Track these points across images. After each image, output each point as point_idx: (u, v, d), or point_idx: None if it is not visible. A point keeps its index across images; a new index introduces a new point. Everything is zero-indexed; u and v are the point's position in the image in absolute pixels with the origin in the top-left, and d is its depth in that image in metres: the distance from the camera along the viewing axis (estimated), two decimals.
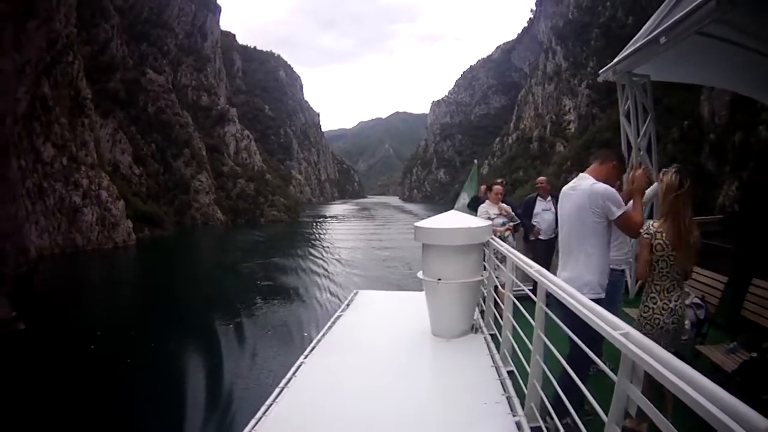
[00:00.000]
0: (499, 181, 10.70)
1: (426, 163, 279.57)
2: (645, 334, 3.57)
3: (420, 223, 7.09)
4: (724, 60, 9.46)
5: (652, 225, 4.79)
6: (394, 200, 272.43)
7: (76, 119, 69.99)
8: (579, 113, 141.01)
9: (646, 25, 9.12)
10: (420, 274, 7.06)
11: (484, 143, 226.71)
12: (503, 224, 9.69)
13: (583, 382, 3.47)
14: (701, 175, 49.77)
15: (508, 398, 4.86)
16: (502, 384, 5.20)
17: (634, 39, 9.60)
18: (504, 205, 10.10)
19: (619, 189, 5.96)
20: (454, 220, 7.23)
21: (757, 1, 6.86)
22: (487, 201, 10.20)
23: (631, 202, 5.23)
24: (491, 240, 7.11)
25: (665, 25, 7.87)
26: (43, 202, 59.52)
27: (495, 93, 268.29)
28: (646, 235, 4.76)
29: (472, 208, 10.45)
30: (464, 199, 11.13)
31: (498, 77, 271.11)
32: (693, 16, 7.08)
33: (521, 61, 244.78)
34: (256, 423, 4.48)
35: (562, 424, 3.84)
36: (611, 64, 10.67)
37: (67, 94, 69.38)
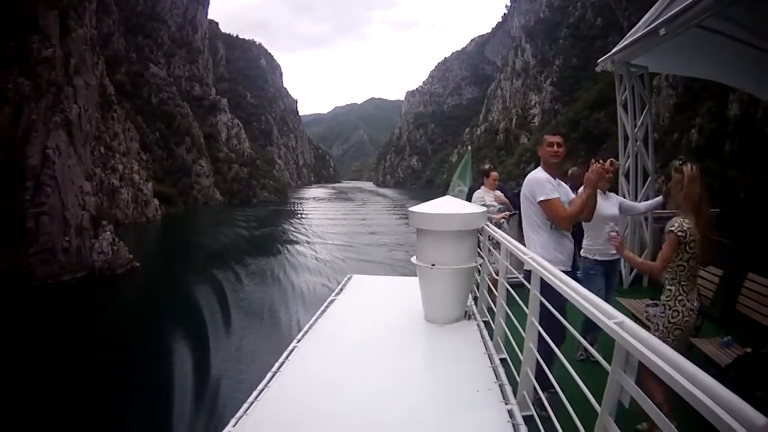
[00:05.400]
0: (488, 167, 10.56)
1: (399, 150, 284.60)
2: (674, 339, 4.48)
3: (415, 208, 7.12)
4: (721, 54, 9.43)
5: (684, 222, 4.55)
6: (369, 185, 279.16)
7: (107, 113, 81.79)
8: (543, 108, 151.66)
9: (646, 17, 9.22)
10: (414, 259, 7.11)
11: (456, 133, 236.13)
12: (499, 211, 9.64)
13: (552, 361, 4.09)
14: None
15: (501, 386, 4.92)
16: (495, 372, 5.27)
17: (633, 30, 9.63)
18: (499, 193, 10.05)
19: (578, 177, 6.94)
20: (450, 205, 7.21)
21: None
22: (482, 187, 10.08)
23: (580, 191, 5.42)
24: (486, 226, 7.09)
25: (665, 17, 7.97)
26: (89, 184, 68.82)
27: (468, 84, 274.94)
28: (680, 233, 4.51)
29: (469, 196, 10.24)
30: (460, 186, 11.16)
31: (471, 69, 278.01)
32: (693, 9, 7.22)
33: (494, 54, 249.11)
34: (249, 407, 4.59)
35: (546, 396, 4.00)
36: (610, 53, 10.56)
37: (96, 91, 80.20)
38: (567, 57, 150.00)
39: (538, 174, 5.46)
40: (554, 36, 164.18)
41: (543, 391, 4.13)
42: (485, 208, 7.95)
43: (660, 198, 8.06)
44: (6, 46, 49.22)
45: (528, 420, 4.21)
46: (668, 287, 4.64)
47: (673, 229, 4.53)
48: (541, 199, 5.24)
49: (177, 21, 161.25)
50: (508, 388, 4.82)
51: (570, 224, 5.39)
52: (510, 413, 4.34)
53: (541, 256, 4.62)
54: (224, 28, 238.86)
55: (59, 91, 50.61)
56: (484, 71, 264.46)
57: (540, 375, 4.15)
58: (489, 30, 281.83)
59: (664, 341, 4.04)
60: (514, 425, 4.16)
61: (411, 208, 7.19)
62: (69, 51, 55.48)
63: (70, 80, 53.72)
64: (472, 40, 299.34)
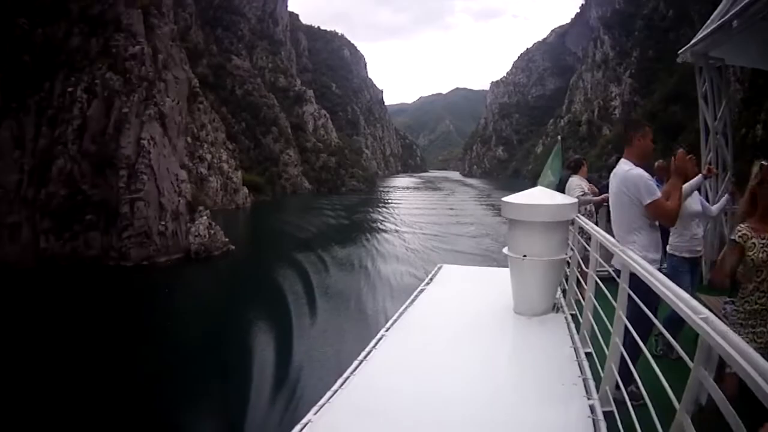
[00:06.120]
0: (577, 156, 10.88)
1: (485, 141, 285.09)
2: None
3: (508, 199, 7.16)
4: None
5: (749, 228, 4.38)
6: (455, 175, 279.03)
7: (192, 105, 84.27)
8: (623, 100, 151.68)
9: (719, 8, 9.15)
10: (505, 250, 7.13)
11: (540, 123, 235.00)
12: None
13: (636, 356, 4.13)
14: None
15: (585, 380, 4.90)
16: (580, 366, 5.27)
17: (708, 21, 9.53)
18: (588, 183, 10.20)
19: (666, 170, 7.25)
20: (542, 196, 7.28)
21: None
22: (576, 176, 10.18)
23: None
24: (577, 218, 7.17)
25: (736, 9, 7.92)
26: (184, 173, 69.56)
27: (550, 75, 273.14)
28: (739, 239, 4.36)
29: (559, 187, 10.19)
30: (551, 177, 10.92)
31: (553, 60, 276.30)
32: (761, 1, 7.15)
33: (574, 45, 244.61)
34: (332, 395, 4.62)
35: (627, 392, 3.97)
36: (689, 45, 10.41)
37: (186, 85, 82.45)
38: (644, 48, 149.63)
39: (638, 171, 5.25)
40: (630, 27, 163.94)
41: (625, 386, 4.09)
42: (576, 200, 8.10)
43: (727, 195, 8.65)
44: (88, 43, 52.08)
45: (608, 416, 4.20)
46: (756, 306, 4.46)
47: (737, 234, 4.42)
48: (650, 201, 5.09)
49: (256, 14, 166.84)
50: (592, 383, 4.83)
51: (676, 221, 5.45)
52: (591, 408, 4.36)
53: (644, 257, 4.51)
54: (304, 20, 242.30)
55: (151, 86, 53.62)
56: (565, 62, 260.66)
57: (623, 370, 4.20)
58: (568, 20, 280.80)
59: None
60: (594, 421, 4.16)
61: (504, 199, 7.24)
62: (155, 47, 58.75)
63: (160, 75, 56.97)
64: (552, 31, 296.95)
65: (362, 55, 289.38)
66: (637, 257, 4.16)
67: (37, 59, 48.23)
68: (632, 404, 3.77)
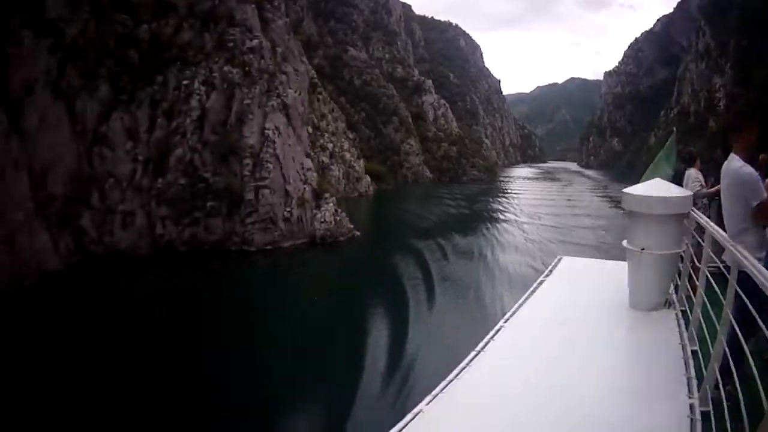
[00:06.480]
0: (691, 149, 11.23)
1: (601, 131, 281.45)
2: None
3: (629, 190, 7.25)
4: None
5: None
6: (573, 166, 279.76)
7: (311, 96, 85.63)
8: (726, 92, 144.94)
9: None
10: (625, 243, 7.23)
11: (652, 114, 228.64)
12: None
13: (740, 357, 3.99)
14: None
15: (689, 379, 4.90)
16: (686, 363, 5.27)
17: None
18: None
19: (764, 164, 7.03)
20: (662, 188, 7.20)
21: None
22: (693, 169, 10.40)
23: None
24: (692, 212, 7.10)
25: None
26: (309, 161, 71.11)
27: (659, 65, 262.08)
28: None
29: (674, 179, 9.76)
30: (667, 169, 10.48)
31: (660, 50, 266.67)
32: None
33: (679, 35, 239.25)
34: (447, 384, 4.73)
35: (725, 393, 3.96)
36: None
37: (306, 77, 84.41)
38: (741, 39, 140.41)
39: (749, 169, 5.07)
40: (728, 17, 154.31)
41: (724, 386, 4.08)
42: (692, 193, 8.04)
43: None
44: (202, 38, 54.30)
45: (705, 416, 4.20)
46: None
47: None
48: (759, 202, 4.91)
49: (369, 5, 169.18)
50: (694, 382, 4.83)
51: None
52: (691, 408, 4.35)
53: (756, 258, 4.32)
54: (417, 11, 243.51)
55: (272, 78, 55.97)
56: (671, 52, 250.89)
57: (724, 370, 4.13)
58: (672, 9, 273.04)
59: None
60: (692, 420, 4.17)
61: (625, 190, 7.31)
62: (273, 40, 61.09)
63: (280, 67, 59.21)
64: (658, 20, 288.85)
65: (478, 45, 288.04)
66: (748, 254, 4.08)
67: (145, 54, 50.26)
68: (728, 405, 3.79)
